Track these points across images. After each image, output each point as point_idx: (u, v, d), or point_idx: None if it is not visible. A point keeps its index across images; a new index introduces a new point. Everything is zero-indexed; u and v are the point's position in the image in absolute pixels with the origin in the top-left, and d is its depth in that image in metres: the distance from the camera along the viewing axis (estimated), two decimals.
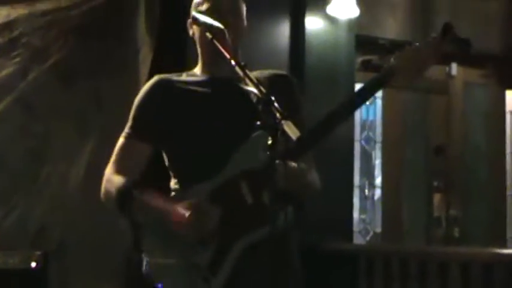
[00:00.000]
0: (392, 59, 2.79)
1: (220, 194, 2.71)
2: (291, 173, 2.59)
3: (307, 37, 5.71)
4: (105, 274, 5.23)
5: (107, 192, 2.86)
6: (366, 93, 2.82)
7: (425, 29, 6.51)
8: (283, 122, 2.30)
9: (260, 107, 2.38)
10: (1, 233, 5.08)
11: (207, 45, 2.77)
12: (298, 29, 5.71)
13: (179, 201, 2.69)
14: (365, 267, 5.43)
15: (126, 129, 2.92)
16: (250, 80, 2.51)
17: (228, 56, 2.62)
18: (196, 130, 2.83)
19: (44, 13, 5.41)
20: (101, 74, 5.46)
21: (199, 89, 2.90)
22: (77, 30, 5.46)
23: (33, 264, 4.59)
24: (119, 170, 2.86)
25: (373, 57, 6.55)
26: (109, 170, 2.89)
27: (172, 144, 2.90)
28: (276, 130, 2.31)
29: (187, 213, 2.60)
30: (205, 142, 2.81)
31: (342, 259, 5.64)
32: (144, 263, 2.78)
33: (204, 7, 2.88)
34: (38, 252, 4.69)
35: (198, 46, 2.96)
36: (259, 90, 2.44)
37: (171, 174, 2.94)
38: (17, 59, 5.30)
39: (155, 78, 2.96)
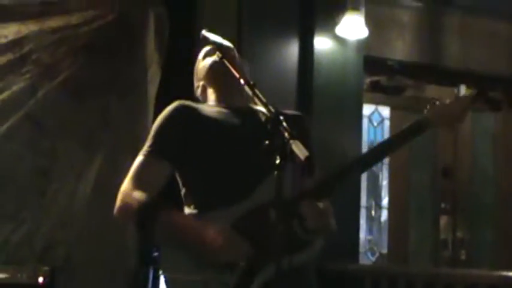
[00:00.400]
0: (425, 111, 2.93)
1: (248, 219, 2.73)
2: (319, 213, 2.68)
3: (315, 57, 5.72)
4: None
5: (126, 206, 2.81)
6: (399, 141, 2.94)
7: (434, 50, 6.52)
8: (291, 141, 2.30)
9: (269, 126, 2.38)
10: (9, 248, 5.09)
11: (220, 78, 2.86)
12: (307, 49, 5.72)
13: (208, 223, 2.69)
14: None
15: (146, 147, 2.90)
16: (259, 99, 2.53)
17: (237, 75, 2.65)
18: (217, 156, 2.85)
19: (54, 30, 5.44)
20: (110, 92, 5.48)
21: (220, 116, 2.92)
22: (86, 48, 5.49)
23: (41, 280, 4.58)
24: (138, 186, 2.82)
25: (382, 78, 6.57)
26: (128, 185, 2.84)
27: (192, 168, 2.90)
28: (284, 149, 2.31)
29: (219, 237, 2.62)
30: (226, 169, 2.83)
31: (348, 280, 5.62)
32: (163, 279, 2.75)
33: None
34: (45, 268, 4.68)
35: (208, 84, 3.02)
36: (268, 110, 2.46)
37: (187, 200, 2.92)
38: (27, 76, 5.32)
39: (177, 102, 2.97)
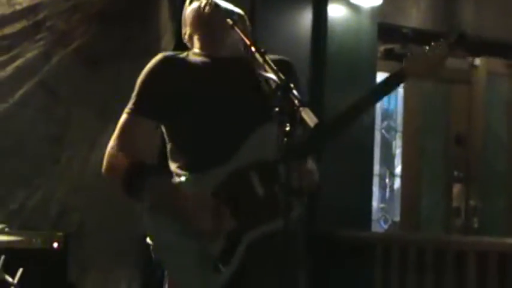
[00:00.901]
0: (403, 62, 2.95)
1: (230, 184, 2.73)
2: (305, 172, 2.68)
3: (329, 25, 5.72)
4: (122, 255, 5.31)
5: (112, 168, 2.85)
6: (377, 94, 2.99)
7: (449, 18, 6.50)
8: (301, 108, 2.30)
9: (279, 93, 2.37)
10: (24, 214, 5.14)
11: (204, 26, 2.86)
12: (320, 16, 5.72)
13: (189, 193, 2.70)
14: (381, 256, 5.44)
15: (130, 105, 2.90)
16: (270, 66, 2.52)
17: (247, 41, 2.65)
18: (202, 110, 2.82)
19: None
20: (123, 60, 5.48)
21: (205, 66, 2.90)
22: (100, 15, 5.50)
23: (55, 245, 4.62)
24: (123, 146, 2.84)
25: (396, 46, 6.55)
26: (113, 145, 2.87)
27: (177, 124, 2.88)
28: (293, 116, 2.31)
29: (200, 207, 2.66)
30: (212, 124, 2.81)
31: (360, 247, 5.66)
32: (150, 247, 2.76)
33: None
34: (59, 233, 4.73)
35: (193, 31, 2.98)
36: (278, 77, 2.45)
37: (173, 157, 2.90)
38: (41, 43, 5.33)
39: (160, 55, 2.97)
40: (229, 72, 2.88)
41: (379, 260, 5.44)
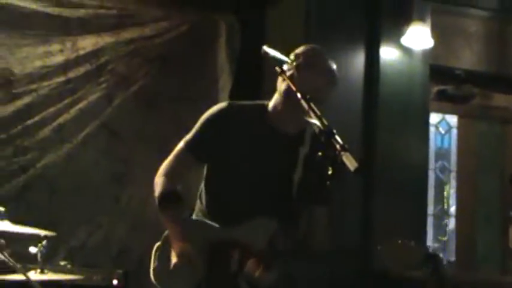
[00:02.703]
0: (380, 246, 3.19)
1: (219, 246, 3.04)
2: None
3: (381, 67, 5.74)
4: None
5: (155, 187, 3.24)
6: None
7: (501, 59, 6.49)
8: (342, 153, 2.39)
9: (322, 138, 2.48)
10: (86, 251, 5.31)
11: (287, 98, 2.97)
12: (373, 59, 5.74)
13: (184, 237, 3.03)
14: None
15: (188, 137, 3.20)
16: (314, 112, 2.62)
17: (294, 88, 2.75)
18: (238, 172, 3.09)
19: (129, 41, 5.64)
20: (182, 101, 5.63)
21: (258, 134, 3.08)
22: (159, 58, 5.67)
23: (115, 282, 4.73)
24: (167, 172, 3.23)
25: (449, 87, 6.55)
26: (163, 167, 3.27)
27: (213, 173, 3.18)
28: (335, 161, 2.41)
29: (181, 253, 2.98)
30: (238, 189, 3.09)
31: (414, 286, 5.64)
32: None
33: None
34: (119, 271, 4.83)
35: (278, 93, 3.09)
36: (322, 123, 2.55)
37: (200, 196, 3.27)
38: (103, 85, 5.53)
39: (225, 104, 3.16)
40: (276, 152, 3.07)
41: None
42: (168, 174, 3.21)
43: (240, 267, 2.98)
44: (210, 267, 3.02)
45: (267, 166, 3.05)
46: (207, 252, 3.03)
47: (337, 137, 2.46)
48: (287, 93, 2.94)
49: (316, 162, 2.48)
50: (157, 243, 3.15)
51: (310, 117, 2.63)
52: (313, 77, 2.98)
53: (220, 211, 3.12)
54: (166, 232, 3.12)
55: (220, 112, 3.12)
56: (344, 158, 2.37)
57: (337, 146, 2.42)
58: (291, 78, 2.86)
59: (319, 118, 2.58)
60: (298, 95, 2.70)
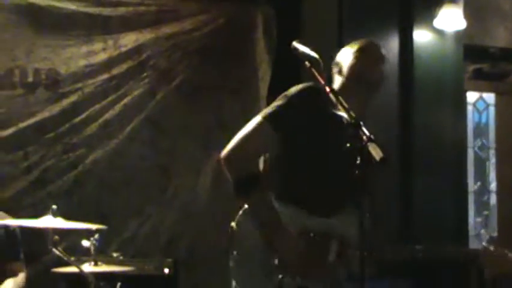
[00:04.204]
0: (480, 249, 3.14)
1: (314, 237, 3.02)
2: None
3: (415, 50, 5.78)
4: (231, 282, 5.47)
5: (228, 166, 3.04)
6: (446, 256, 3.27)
7: None
8: (368, 144, 2.47)
9: (350, 130, 2.57)
10: (137, 242, 5.44)
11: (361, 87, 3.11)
12: (406, 42, 5.79)
13: (288, 230, 2.97)
14: (477, 271, 5.49)
15: (269, 111, 3.07)
16: (342, 105, 2.71)
17: (322, 82, 2.82)
18: (321, 158, 3.08)
19: (169, 36, 5.74)
20: (223, 92, 5.74)
21: (335, 116, 3.08)
22: (199, 51, 5.76)
23: (166, 271, 4.84)
24: (245, 148, 3.03)
25: (484, 66, 6.56)
26: (238, 141, 3.04)
27: (292, 156, 3.10)
28: (362, 151, 2.50)
29: (295, 251, 2.95)
30: (325, 175, 3.08)
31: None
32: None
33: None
34: (170, 260, 4.94)
35: (347, 80, 3.19)
36: (350, 115, 2.64)
37: (271, 183, 3.09)
38: (146, 81, 5.64)
39: (308, 83, 3.11)
40: (344, 140, 2.96)
41: (473, 276, 5.49)
42: (247, 152, 3.04)
43: (339, 258, 3.02)
44: (308, 258, 3.00)
45: (342, 152, 2.95)
46: (305, 242, 3.01)
47: (364, 129, 2.53)
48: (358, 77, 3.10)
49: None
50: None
51: (339, 109, 2.75)
52: (370, 59, 3.17)
53: (310, 199, 3.05)
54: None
55: (310, 89, 3.08)
56: (370, 148, 2.45)
57: (364, 137, 2.49)
58: (320, 73, 2.86)
59: (346, 111, 2.66)
60: (327, 89, 2.78)
